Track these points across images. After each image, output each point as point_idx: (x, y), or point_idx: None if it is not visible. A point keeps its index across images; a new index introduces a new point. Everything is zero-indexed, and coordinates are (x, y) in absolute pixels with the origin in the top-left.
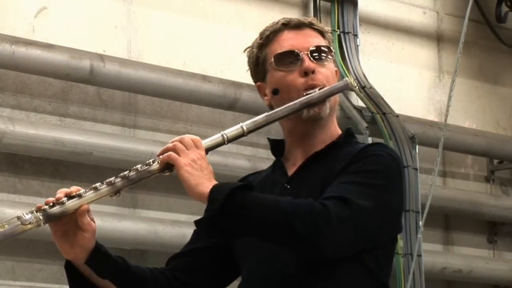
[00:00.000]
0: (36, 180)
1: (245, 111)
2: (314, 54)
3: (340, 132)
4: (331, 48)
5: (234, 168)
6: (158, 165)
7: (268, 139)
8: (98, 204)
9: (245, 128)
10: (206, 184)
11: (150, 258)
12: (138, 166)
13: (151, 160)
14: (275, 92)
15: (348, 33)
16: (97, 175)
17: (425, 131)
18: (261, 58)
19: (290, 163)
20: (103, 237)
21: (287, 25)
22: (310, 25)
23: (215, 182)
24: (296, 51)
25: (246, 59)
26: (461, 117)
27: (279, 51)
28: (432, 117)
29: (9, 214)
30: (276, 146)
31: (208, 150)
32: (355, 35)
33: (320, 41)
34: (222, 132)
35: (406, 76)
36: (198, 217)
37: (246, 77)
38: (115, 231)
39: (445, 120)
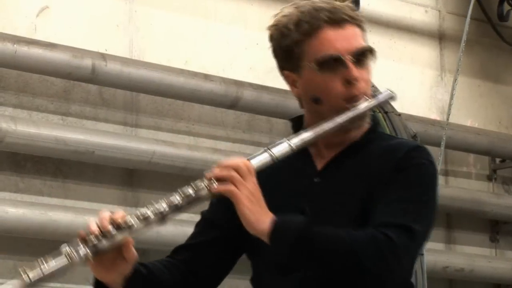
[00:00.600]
0: (38, 179)
1: (247, 110)
2: (358, 58)
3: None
4: (374, 49)
5: None
6: (209, 192)
7: (290, 119)
8: (100, 203)
9: (293, 146)
10: (265, 219)
11: (152, 257)
12: (187, 191)
13: (200, 184)
14: (315, 101)
15: None
16: (99, 174)
17: (427, 129)
18: (296, 52)
19: (316, 152)
20: None
21: (329, 22)
22: (351, 20)
23: (271, 216)
24: (340, 56)
25: (249, 60)
26: (463, 116)
27: (322, 55)
28: (434, 115)
29: (11, 213)
30: (297, 126)
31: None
32: None
33: (363, 41)
34: (270, 152)
35: (408, 74)
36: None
37: (247, 76)
38: None
39: (447, 119)
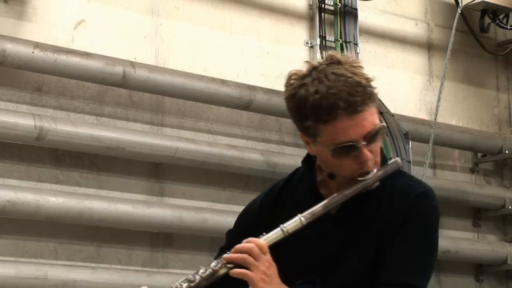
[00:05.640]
0: (76, 172)
1: (259, 111)
2: (370, 138)
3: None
4: (384, 125)
5: (249, 161)
6: (225, 271)
7: (302, 161)
8: (129, 193)
9: (303, 220)
10: None
11: (175, 240)
12: (206, 273)
13: (216, 265)
14: (331, 177)
15: (349, 42)
16: (129, 168)
17: (417, 128)
18: (312, 128)
19: (329, 195)
20: (134, 222)
21: (345, 109)
22: (367, 102)
23: None
24: (354, 143)
25: (260, 67)
26: (449, 116)
27: (337, 142)
28: (423, 116)
29: (52, 201)
30: (307, 160)
31: (269, 246)
32: (356, 44)
33: (375, 119)
34: (281, 226)
35: (401, 80)
36: (218, 205)
37: (259, 81)
38: (145, 216)
39: (435, 119)
